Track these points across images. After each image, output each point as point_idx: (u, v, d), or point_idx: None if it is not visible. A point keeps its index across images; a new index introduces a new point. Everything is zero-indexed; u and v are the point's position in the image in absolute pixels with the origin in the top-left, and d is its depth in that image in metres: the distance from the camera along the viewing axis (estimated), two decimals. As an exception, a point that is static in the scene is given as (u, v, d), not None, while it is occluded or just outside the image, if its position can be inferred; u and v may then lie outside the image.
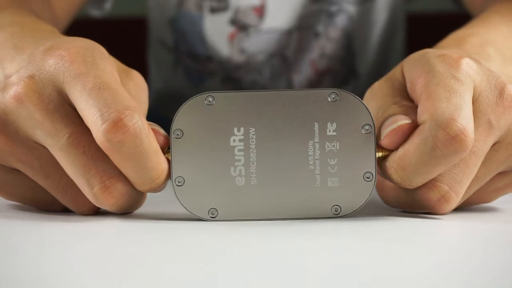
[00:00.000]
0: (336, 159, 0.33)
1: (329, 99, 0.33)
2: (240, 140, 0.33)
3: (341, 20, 0.69)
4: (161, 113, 0.75)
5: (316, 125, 0.33)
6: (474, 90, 0.34)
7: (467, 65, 0.34)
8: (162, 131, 0.33)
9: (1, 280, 0.22)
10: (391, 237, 0.31)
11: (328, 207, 0.33)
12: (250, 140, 0.33)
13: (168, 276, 0.23)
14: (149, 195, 0.35)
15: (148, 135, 0.31)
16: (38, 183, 0.34)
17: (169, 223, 0.33)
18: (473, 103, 0.33)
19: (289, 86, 0.71)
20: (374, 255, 0.27)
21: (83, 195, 0.33)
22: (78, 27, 0.70)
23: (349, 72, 0.71)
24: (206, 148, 0.33)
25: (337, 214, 0.33)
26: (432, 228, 0.32)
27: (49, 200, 0.34)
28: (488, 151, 0.34)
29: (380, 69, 0.73)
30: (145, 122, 0.32)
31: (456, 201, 0.33)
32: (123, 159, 0.31)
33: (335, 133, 0.33)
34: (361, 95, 0.36)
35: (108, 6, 0.72)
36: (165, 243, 0.29)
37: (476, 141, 0.33)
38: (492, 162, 0.34)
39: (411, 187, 0.33)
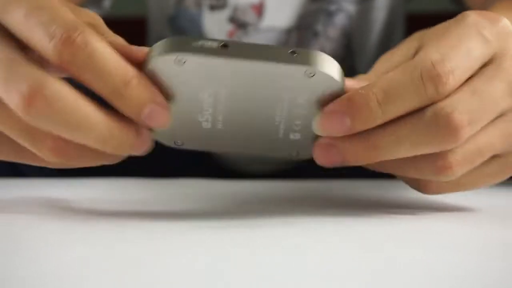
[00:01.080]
0: (302, 120, 0.33)
1: (306, 75, 0.32)
2: (209, 96, 0.32)
3: (340, 19, 0.69)
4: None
5: (289, 95, 0.32)
6: (500, 52, 0.33)
7: (505, 26, 0.33)
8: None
9: (1, 280, 0.22)
10: (389, 237, 0.31)
11: (290, 152, 0.34)
12: (220, 99, 0.32)
13: (169, 277, 0.23)
14: (151, 194, 0.35)
15: (102, 42, 0.30)
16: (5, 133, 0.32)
17: (170, 224, 0.33)
18: (494, 60, 0.33)
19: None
20: (373, 255, 0.27)
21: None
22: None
23: (348, 71, 0.71)
24: (175, 98, 0.32)
25: (297, 156, 0.34)
26: (430, 228, 0.32)
27: (30, 153, 0.33)
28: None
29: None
30: (96, 34, 0.30)
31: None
32: (81, 70, 0.30)
33: (305, 103, 0.33)
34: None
35: (107, 4, 0.72)
36: (165, 244, 0.29)
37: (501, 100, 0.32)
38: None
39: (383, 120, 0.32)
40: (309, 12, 0.69)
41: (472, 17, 0.33)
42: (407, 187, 0.37)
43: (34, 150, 0.32)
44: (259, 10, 0.69)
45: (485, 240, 0.30)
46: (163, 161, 0.68)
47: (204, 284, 0.22)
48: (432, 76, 0.31)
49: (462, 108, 0.31)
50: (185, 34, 0.72)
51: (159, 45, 0.32)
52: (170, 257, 0.26)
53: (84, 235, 0.30)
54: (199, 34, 0.71)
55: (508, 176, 0.36)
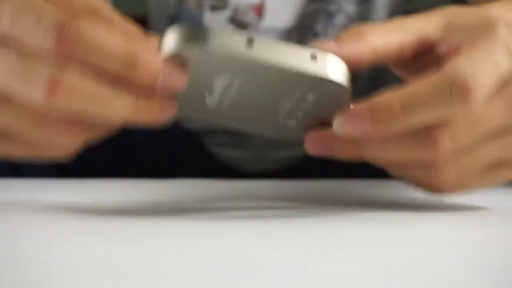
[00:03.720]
0: (303, 113, 0.34)
1: (321, 81, 0.32)
2: (223, 80, 0.32)
3: (340, 20, 0.69)
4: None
5: (300, 91, 0.33)
6: None
7: None
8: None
9: (2, 280, 0.23)
10: (389, 237, 0.31)
11: (281, 135, 0.36)
12: (232, 84, 0.33)
13: (169, 278, 0.23)
14: (157, 196, 0.35)
15: (94, 28, 0.30)
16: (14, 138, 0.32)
17: (170, 225, 0.33)
18: None
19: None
20: (373, 256, 0.27)
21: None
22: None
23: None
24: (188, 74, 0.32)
25: (286, 139, 0.36)
26: (430, 228, 0.33)
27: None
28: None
29: (379, 70, 0.73)
30: (87, 21, 0.30)
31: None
32: (84, 60, 0.30)
33: (313, 101, 0.33)
34: (360, 95, 0.35)
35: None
36: (165, 245, 0.29)
37: None
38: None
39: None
40: (309, 12, 0.69)
41: (501, 29, 0.33)
42: (407, 187, 0.37)
43: (46, 139, 0.32)
44: (259, 10, 0.69)
45: (486, 240, 0.30)
46: (164, 162, 0.68)
47: (205, 284, 0.22)
48: (463, 89, 0.31)
49: (450, 134, 0.32)
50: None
51: (178, 31, 0.31)
52: (170, 257, 0.26)
53: (84, 235, 0.30)
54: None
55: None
